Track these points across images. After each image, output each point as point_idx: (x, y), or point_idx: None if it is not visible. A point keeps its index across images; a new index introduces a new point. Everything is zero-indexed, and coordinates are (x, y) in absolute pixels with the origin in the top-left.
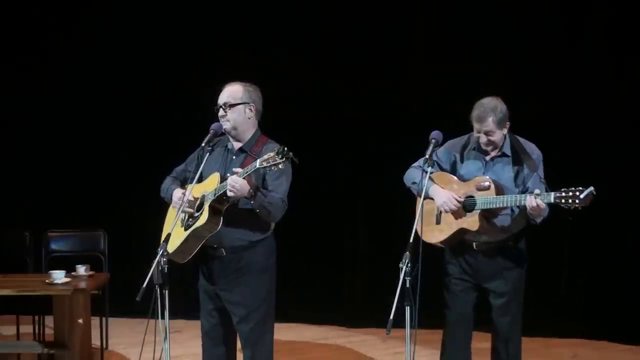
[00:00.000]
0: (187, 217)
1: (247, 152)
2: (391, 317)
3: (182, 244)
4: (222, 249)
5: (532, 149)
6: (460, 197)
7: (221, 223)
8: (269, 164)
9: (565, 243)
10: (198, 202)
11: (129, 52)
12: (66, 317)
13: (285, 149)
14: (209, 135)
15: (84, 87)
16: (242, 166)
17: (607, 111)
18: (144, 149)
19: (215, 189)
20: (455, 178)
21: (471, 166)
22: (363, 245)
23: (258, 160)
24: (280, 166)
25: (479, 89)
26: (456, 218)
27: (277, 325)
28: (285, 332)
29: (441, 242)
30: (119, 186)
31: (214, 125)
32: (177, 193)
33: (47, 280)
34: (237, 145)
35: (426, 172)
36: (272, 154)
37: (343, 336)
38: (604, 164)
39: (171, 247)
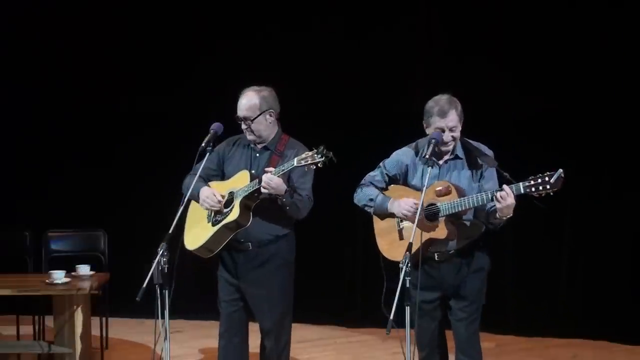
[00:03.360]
0: (213, 214)
1: (272, 150)
2: (391, 317)
3: (209, 239)
4: (249, 243)
5: (485, 148)
6: (417, 202)
7: (251, 219)
8: (307, 163)
9: (565, 243)
10: (226, 199)
11: (128, 51)
12: (66, 317)
13: (325, 148)
14: (209, 135)
15: (83, 86)
16: (269, 164)
17: (607, 109)
18: (145, 149)
19: (247, 186)
20: (409, 189)
21: (425, 174)
22: (363, 245)
23: (295, 159)
24: (319, 165)
25: (481, 89)
26: (421, 230)
27: None
28: None
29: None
30: (119, 186)
31: (214, 126)
32: (206, 191)
33: (47, 280)
34: (260, 144)
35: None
36: (310, 153)
37: (343, 336)
38: (604, 165)
39: (196, 242)
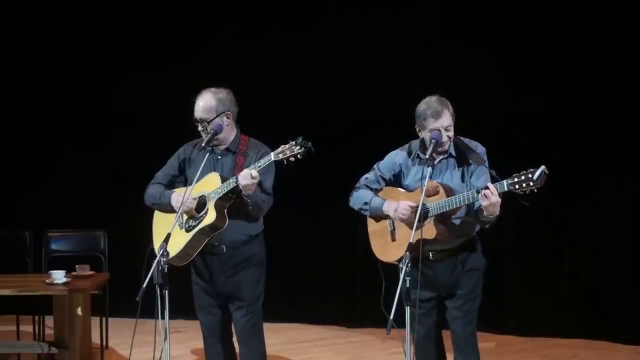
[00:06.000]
0: (185, 220)
1: (234, 151)
2: (391, 317)
3: (185, 246)
4: (223, 246)
5: (476, 145)
6: (412, 204)
7: (227, 220)
8: (285, 156)
9: (566, 242)
10: (197, 203)
11: (128, 50)
12: (66, 317)
13: (303, 139)
14: (210, 135)
15: (82, 85)
16: (235, 165)
17: (606, 105)
18: (145, 149)
19: (220, 187)
20: (402, 190)
21: (418, 174)
22: (363, 245)
23: (272, 154)
24: (298, 157)
25: (479, 89)
26: (413, 230)
27: (277, 325)
28: (285, 332)
29: (399, 260)
30: (119, 186)
31: (213, 125)
32: (176, 196)
33: (47, 280)
34: (221, 147)
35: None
36: (287, 145)
37: (343, 336)
38: (605, 164)
39: (171, 252)
